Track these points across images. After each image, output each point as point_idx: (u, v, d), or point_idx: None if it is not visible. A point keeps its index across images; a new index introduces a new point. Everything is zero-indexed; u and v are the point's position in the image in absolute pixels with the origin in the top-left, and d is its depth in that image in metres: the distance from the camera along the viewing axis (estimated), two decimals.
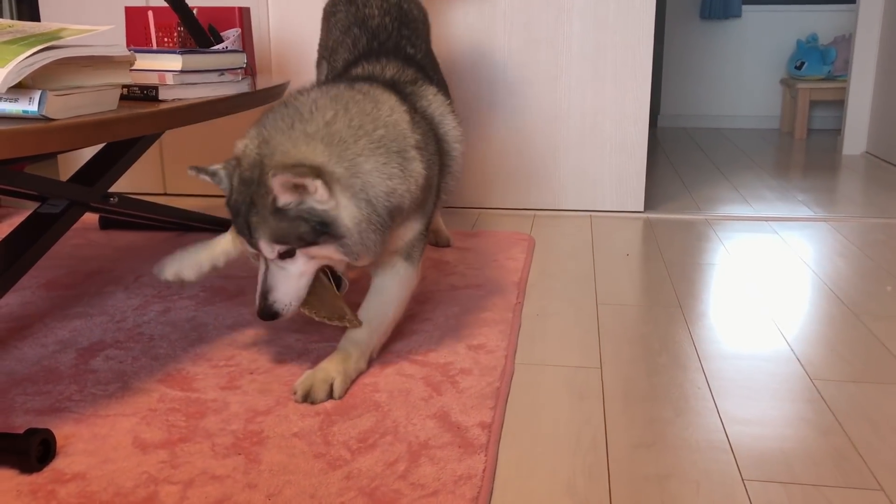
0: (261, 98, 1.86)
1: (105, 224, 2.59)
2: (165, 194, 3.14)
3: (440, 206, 1.81)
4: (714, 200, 3.15)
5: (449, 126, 1.73)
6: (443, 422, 1.35)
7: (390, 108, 1.53)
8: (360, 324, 1.57)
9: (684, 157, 4.25)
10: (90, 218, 2.55)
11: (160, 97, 1.61)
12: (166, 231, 2.54)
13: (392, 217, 1.49)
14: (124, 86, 1.55)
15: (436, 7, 2.80)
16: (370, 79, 1.66)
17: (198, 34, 2.12)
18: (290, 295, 1.47)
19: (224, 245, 1.72)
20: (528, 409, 1.43)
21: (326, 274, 1.55)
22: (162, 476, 1.19)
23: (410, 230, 1.62)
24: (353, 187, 1.42)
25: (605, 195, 2.90)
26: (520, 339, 1.74)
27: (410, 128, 1.54)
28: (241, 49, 2.10)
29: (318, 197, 1.39)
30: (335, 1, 2.13)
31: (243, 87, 1.83)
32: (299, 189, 1.38)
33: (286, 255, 1.44)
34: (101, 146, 2.00)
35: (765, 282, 2.15)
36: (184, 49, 1.76)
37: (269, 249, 1.43)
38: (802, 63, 5.04)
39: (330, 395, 1.44)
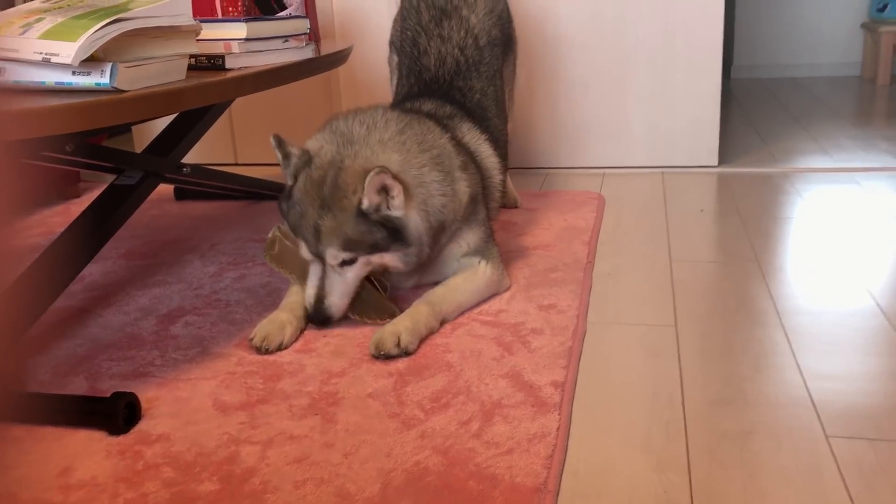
0: (326, 63, 1.86)
1: (180, 195, 2.65)
2: (237, 164, 3.19)
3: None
4: (792, 152, 3.04)
5: (485, 154, 1.82)
6: (515, 381, 1.35)
7: (438, 134, 1.65)
8: None
9: (760, 108, 4.10)
10: (165, 189, 2.61)
11: (227, 66, 1.62)
12: (239, 200, 2.58)
13: (438, 232, 1.59)
14: (191, 56, 1.56)
15: None
16: (412, 110, 1.74)
17: (262, 2, 2.13)
18: (345, 300, 1.56)
19: (297, 299, 1.63)
20: (601, 368, 1.41)
21: (368, 277, 1.60)
22: (242, 436, 1.22)
23: (470, 238, 1.70)
24: (418, 197, 1.53)
25: (677, 150, 2.82)
26: (591, 299, 1.71)
27: (455, 152, 1.66)
28: (304, 15, 2.09)
29: (397, 202, 1.48)
30: (407, 7, 2.09)
31: (308, 52, 1.83)
32: (385, 191, 1.46)
33: (348, 262, 1.50)
34: (172, 118, 2.04)
35: (847, 235, 2.07)
36: (248, 17, 1.77)
37: (335, 256, 1.49)
38: (885, 5, 4.78)
39: (398, 346, 1.45)
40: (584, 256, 1.94)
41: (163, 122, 2.06)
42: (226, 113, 2.75)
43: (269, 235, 1.67)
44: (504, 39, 2.07)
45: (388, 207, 1.48)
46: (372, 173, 1.43)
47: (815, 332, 1.50)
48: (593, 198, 2.47)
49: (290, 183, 1.54)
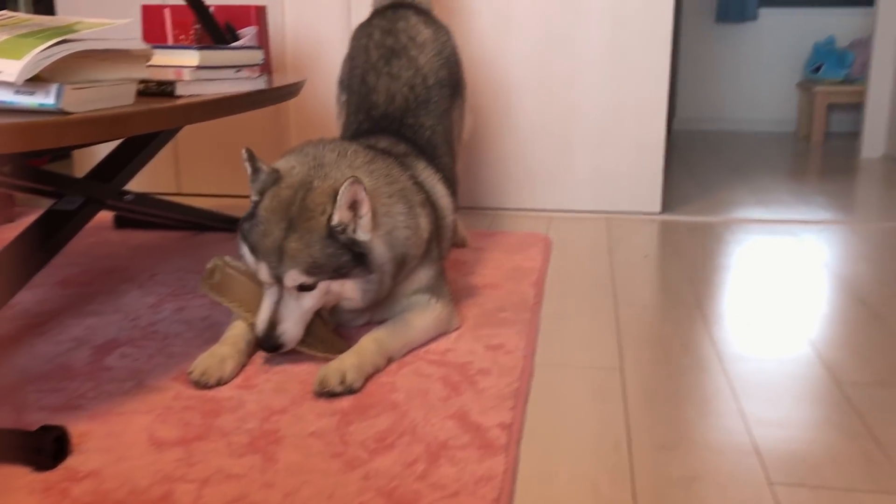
0: (278, 95, 1.84)
1: (120, 223, 2.59)
2: (180, 194, 3.13)
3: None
4: (731, 203, 3.12)
5: (440, 194, 1.82)
6: (462, 422, 1.33)
7: (400, 170, 1.66)
8: None
9: (700, 159, 4.21)
10: (105, 217, 2.54)
11: (177, 93, 1.59)
12: (181, 231, 2.53)
13: (399, 265, 1.58)
14: (141, 81, 1.53)
15: (450, 8, 2.78)
16: (370, 147, 1.73)
17: (214, 32, 2.11)
18: (299, 328, 1.51)
19: (239, 332, 1.59)
20: (548, 410, 1.40)
21: (318, 312, 1.57)
22: (177, 474, 1.17)
23: (422, 277, 1.69)
24: (385, 227, 1.53)
25: (622, 195, 2.87)
26: (539, 340, 1.71)
27: (415, 189, 1.67)
28: (258, 46, 2.08)
29: (365, 221, 1.48)
30: (356, 48, 2.08)
31: (260, 84, 1.82)
32: (355, 209, 1.46)
33: (308, 287, 1.46)
34: (116, 144, 2.00)
35: (785, 284, 2.12)
36: (201, 45, 1.74)
37: (295, 279, 1.46)
38: (820, 66, 5.00)
39: (342, 384, 1.42)
40: (531, 297, 1.94)
41: (105, 149, 2.01)
42: (171, 141, 2.70)
43: (209, 265, 1.63)
44: (452, 82, 2.08)
45: (355, 230, 1.47)
46: (346, 183, 1.42)
47: (757, 379, 1.52)
48: (540, 239, 2.48)
49: (254, 199, 1.52)
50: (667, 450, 1.27)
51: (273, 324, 1.48)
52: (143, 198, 2.02)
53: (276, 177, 1.51)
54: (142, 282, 2.06)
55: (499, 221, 2.78)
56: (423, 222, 1.65)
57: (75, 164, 3.19)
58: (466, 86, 2.23)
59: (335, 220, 1.44)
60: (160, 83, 1.60)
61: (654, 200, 2.87)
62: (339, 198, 1.43)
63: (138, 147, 1.90)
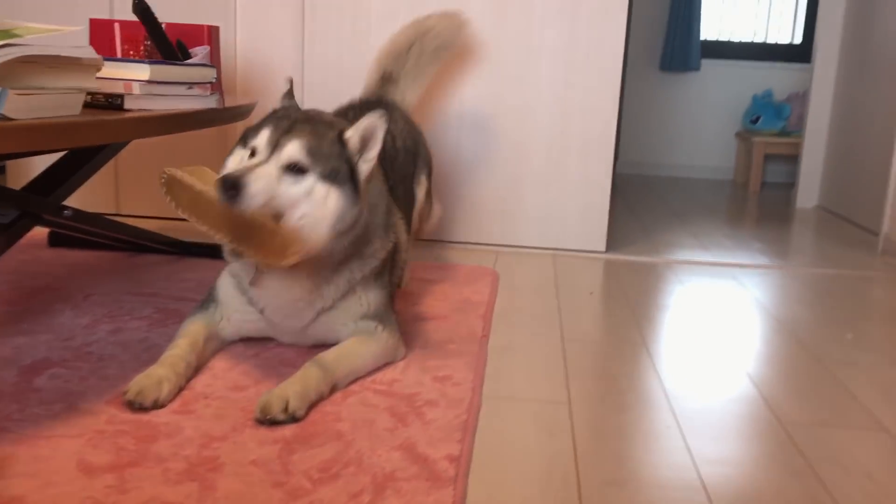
0: (229, 115, 1.81)
1: (54, 241, 2.49)
2: (118, 214, 3.04)
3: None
4: (673, 245, 3.17)
5: (401, 230, 1.88)
6: (409, 453, 1.29)
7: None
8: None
9: (642, 202, 4.29)
10: (38, 234, 2.45)
11: (125, 106, 1.55)
12: (117, 251, 2.44)
13: (362, 238, 1.59)
14: (89, 92, 1.48)
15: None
16: None
17: (166, 49, 2.06)
18: (265, 195, 1.38)
19: (179, 353, 1.53)
20: (496, 443, 1.38)
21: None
22: (109, 501, 1.11)
23: (371, 299, 1.66)
24: (371, 198, 1.61)
25: (568, 233, 2.89)
26: (486, 372, 1.69)
27: (392, 206, 1.76)
28: (211, 64, 2.04)
29: (366, 162, 1.54)
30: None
31: (211, 102, 1.78)
32: (365, 144, 1.53)
33: (300, 169, 1.45)
34: (54, 159, 1.93)
35: (728, 325, 2.15)
36: (152, 59, 1.70)
37: (292, 153, 1.45)
38: (758, 117, 5.17)
39: (285, 412, 1.37)
40: (479, 330, 1.92)
41: (42, 164, 1.94)
42: (111, 160, 2.62)
43: (164, 177, 1.42)
44: (415, 153, 2.16)
45: (358, 161, 1.53)
46: (378, 113, 1.52)
47: (703, 417, 1.53)
48: (488, 273, 2.48)
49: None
50: (616, 486, 1.25)
51: (242, 173, 1.36)
52: (83, 214, 1.94)
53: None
54: (76, 302, 1.98)
55: (445, 254, 2.77)
56: (391, 233, 1.70)
57: (9, 177, 3.07)
58: (431, 172, 2.29)
59: (348, 132, 1.52)
60: (108, 96, 1.56)
61: (599, 239, 2.90)
62: (360, 121, 1.52)
63: (80, 161, 1.83)
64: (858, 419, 1.56)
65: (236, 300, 1.64)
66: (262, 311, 1.63)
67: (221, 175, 1.37)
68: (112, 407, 1.41)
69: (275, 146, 1.45)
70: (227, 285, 1.66)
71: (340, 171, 1.48)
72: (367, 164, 1.54)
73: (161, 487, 1.15)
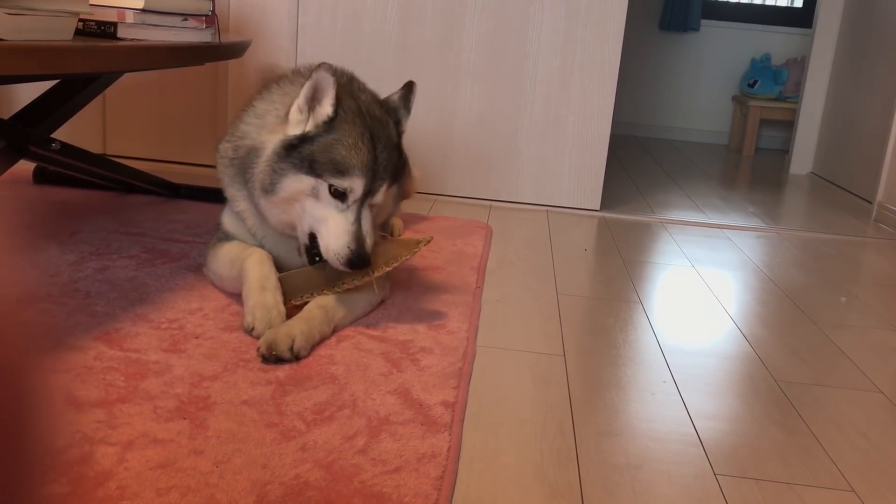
0: (225, 50, 1.75)
1: (39, 177, 2.43)
2: (105, 155, 2.98)
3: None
4: (667, 205, 3.15)
5: None
6: (404, 398, 1.28)
7: None
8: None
9: (636, 162, 4.26)
10: (23, 169, 2.39)
11: (118, 35, 1.49)
12: (105, 190, 2.39)
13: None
14: (81, 18, 1.43)
15: None
16: None
17: None
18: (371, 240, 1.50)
19: (257, 262, 1.57)
20: (491, 391, 1.36)
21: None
22: (98, 436, 1.09)
23: None
24: None
25: (563, 190, 2.86)
26: (480, 323, 1.67)
27: None
28: None
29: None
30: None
31: (207, 36, 1.72)
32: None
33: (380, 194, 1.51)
34: (42, 90, 1.86)
35: (723, 285, 2.13)
36: None
37: (385, 192, 1.51)
38: (755, 81, 5.12)
39: (291, 350, 1.36)
40: (473, 282, 1.90)
41: (28, 95, 1.88)
42: (98, 98, 2.55)
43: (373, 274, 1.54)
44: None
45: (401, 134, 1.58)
46: (405, 87, 1.58)
47: (699, 374, 1.52)
48: (481, 227, 2.45)
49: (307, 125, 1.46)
50: (612, 436, 1.24)
51: (362, 238, 1.45)
52: (71, 149, 1.89)
53: (346, 82, 1.55)
54: (62, 239, 1.93)
55: (438, 207, 2.73)
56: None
57: None
58: (411, 187, 2.26)
59: (403, 125, 1.54)
60: (101, 23, 1.50)
61: (594, 197, 2.87)
62: (406, 100, 1.54)
63: (71, 92, 1.78)
64: (852, 380, 1.56)
65: (240, 231, 1.67)
66: (261, 243, 1.65)
67: (351, 254, 1.45)
68: (100, 343, 1.38)
69: (368, 194, 1.46)
70: (230, 218, 1.69)
71: (403, 164, 1.57)
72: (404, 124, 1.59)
73: (151, 424, 1.13)
